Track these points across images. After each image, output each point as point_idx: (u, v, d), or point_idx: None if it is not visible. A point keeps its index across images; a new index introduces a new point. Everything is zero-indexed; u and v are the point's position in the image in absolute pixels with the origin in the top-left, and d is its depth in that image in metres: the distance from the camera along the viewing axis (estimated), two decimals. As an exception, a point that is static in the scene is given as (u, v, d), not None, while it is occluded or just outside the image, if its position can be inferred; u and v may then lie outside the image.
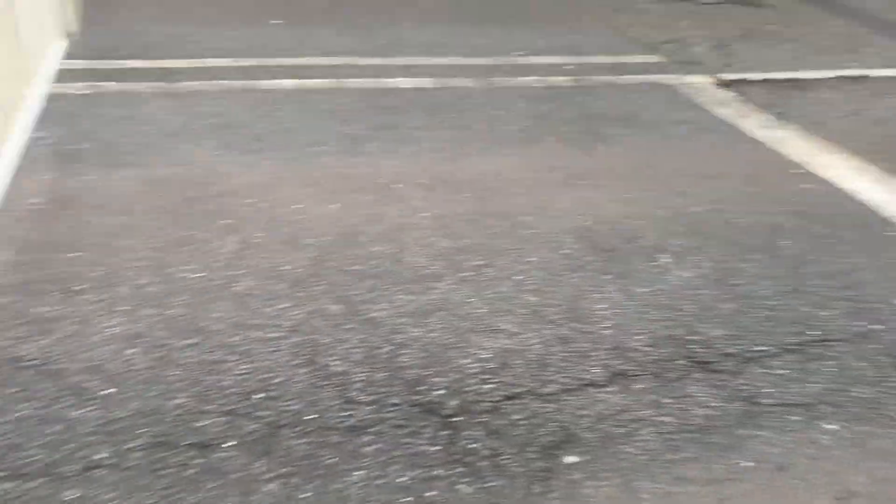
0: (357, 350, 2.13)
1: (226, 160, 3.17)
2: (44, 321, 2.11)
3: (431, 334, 2.22)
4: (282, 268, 2.47)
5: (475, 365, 2.10)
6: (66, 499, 1.59)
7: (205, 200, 2.84)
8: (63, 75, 3.83)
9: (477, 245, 2.70)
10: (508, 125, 3.78)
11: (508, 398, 1.99)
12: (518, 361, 2.13)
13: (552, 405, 1.97)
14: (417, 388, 2.00)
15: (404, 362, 2.09)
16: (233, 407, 1.88)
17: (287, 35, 4.82)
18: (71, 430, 1.77)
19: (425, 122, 3.72)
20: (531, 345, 2.20)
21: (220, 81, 4.02)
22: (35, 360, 1.97)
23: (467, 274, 2.52)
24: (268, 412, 1.87)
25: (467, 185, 3.14)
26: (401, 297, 2.38)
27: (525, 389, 2.02)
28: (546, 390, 2.02)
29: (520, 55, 4.87)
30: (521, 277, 2.52)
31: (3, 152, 2.47)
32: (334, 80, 4.14)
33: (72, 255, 2.42)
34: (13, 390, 1.86)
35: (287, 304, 2.30)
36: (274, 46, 4.60)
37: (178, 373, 1.98)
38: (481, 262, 2.59)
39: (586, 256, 2.67)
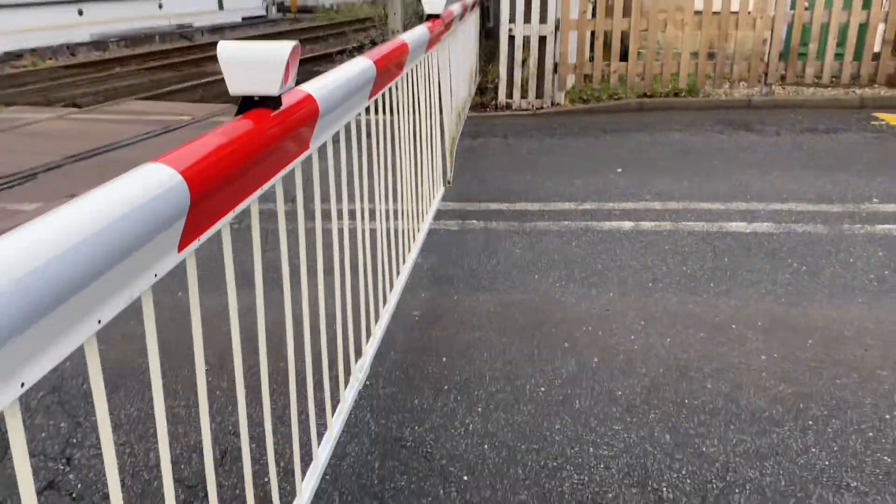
0: (688, 480, 2.17)
1: (567, 291, 3.51)
2: (419, 411, 2.55)
3: (768, 478, 2.16)
4: (616, 392, 2.64)
5: (817, 518, 2.00)
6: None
7: (548, 324, 3.16)
8: (440, 214, 4.62)
9: (822, 394, 2.57)
10: (862, 273, 3.55)
11: (857, 560, 1.84)
12: (869, 524, 1.97)
13: (913, 579, 1.77)
14: (751, 530, 1.96)
15: (738, 501, 2.07)
16: (568, 511, 2.05)
17: (626, 182, 5.19)
18: (435, 504, 2.10)
19: (766, 265, 3.68)
20: (886, 508, 2.02)
21: (564, 222, 4.47)
22: (411, 442, 2.39)
23: (810, 423, 2.42)
24: (600, 522, 2.00)
25: (811, 331, 3.02)
26: (734, 436, 2.37)
27: (878, 555, 1.85)
28: (905, 561, 1.83)
29: (878, 202, 4.56)
30: (874, 434, 2.33)
31: (402, 273, 3.11)
32: (671, 223, 4.33)
33: (441, 359, 2.89)
34: (395, 464, 2.28)
35: (619, 427, 2.44)
36: (613, 192, 4.98)
37: (521, 472, 2.22)
38: (826, 413, 2.46)
39: (960, 423, 2.37)
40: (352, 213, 2.35)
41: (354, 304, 2.38)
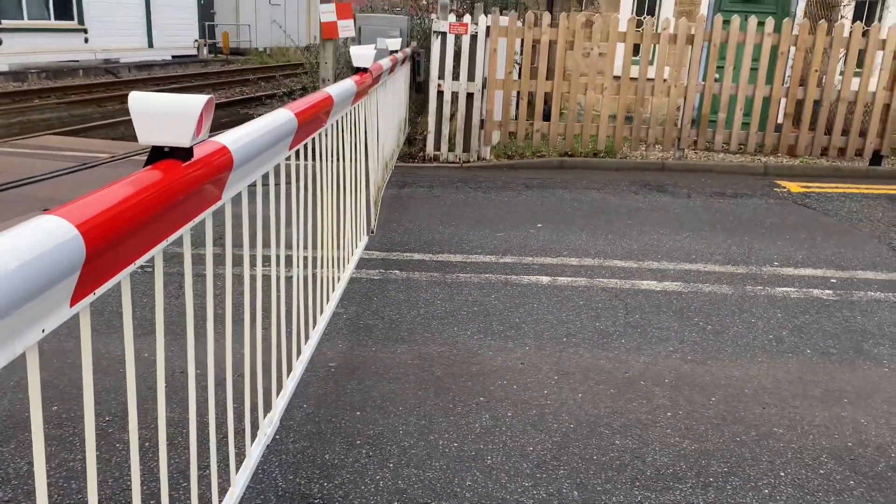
0: (593, 538, 2.19)
1: (485, 343, 3.54)
2: (329, 467, 2.50)
3: (669, 535, 2.21)
4: (527, 448, 2.66)
5: (715, 575, 2.05)
6: None
7: (465, 378, 3.18)
8: (362, 263, 4.62)
9: (723, 451, 2.66)
10: (762, 334, 3.74)
11: None
12: (763, 580, 2.03)
13: None
14: (652, 588, 1.99)
15: (640, 558, 2.11)
16: (475, 570, 2.03)
17: (545, 237, 5.33)
18: (340, 564, 2.04)
19: (674, 323, 3.83)
20: (778, 564, 2.09)
21: (484, 275, 4.54)
22: (319, 499, 2.34)
23: (711, 479, 2.50)
24: (505, 582, 1.99)
25: (715, 388, 3.14)
26: (640, 492, 2.42)
27: None
28: None
29: (778, 266, 4.83)
30: (770, 491, 2.43)
31: (319, 324, 3.08)
32: (587, 279, 4.46)
33: (355, 413, 2.85)
34: (300, 521, 2.22)
35: (529, 483, 2.46)
36: (532, 247, 5.11)
37: (430, 530, 2.20)
38: (726, 470, 2.55)
39: (846, 480, 2.50)
40: (268, 260, 2.33)
41: (266, 355, 2.34)
